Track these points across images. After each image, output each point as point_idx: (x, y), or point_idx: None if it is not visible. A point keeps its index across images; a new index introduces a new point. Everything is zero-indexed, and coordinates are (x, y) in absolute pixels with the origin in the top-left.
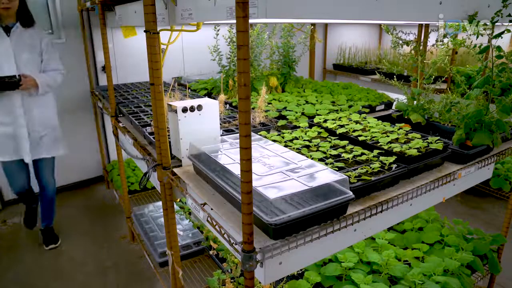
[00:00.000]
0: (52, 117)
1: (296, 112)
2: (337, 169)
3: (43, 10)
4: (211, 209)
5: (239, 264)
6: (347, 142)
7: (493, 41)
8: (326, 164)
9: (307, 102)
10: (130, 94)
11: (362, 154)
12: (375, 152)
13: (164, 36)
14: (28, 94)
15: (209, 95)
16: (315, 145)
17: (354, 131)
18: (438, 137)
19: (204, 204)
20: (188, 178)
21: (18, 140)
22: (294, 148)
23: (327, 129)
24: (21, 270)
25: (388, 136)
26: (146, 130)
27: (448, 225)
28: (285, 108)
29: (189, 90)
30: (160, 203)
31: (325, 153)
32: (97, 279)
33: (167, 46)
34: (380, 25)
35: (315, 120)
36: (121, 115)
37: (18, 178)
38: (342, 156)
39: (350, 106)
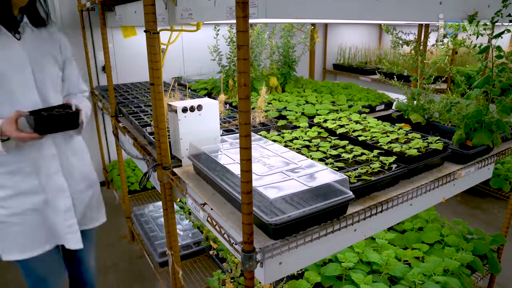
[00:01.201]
0: (90, 164)
1: (296, 112)
2: (337, 169)
3: None
4: (211, 209)
5: (239, 264)
6: (347, 142)
7: (493, 41)
8: (326, 164)
9: (307, 102)
10: (130, 94)
11: (362, 154)
12: (375, 152)
13: (164, 36)
14: (65, 137)
15: (209, 95)
16: (315, 145)
17: (354, 131)
18: (438, 137)
19: (204, 204)
20: (188, 178)
21: (56, 217)
22: (294, 148)
23: (327, 129)
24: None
25: (388, 136)
26: (146, 130)
27: (448, 225)
28: (285, 108)
29: (189, 90)
30: (160, 203)
31: (325, 153)
32: (97, 279)
33: (167, 46)
34: (380, 25)
35: (315, 120)
36: (121, 115)
37: (56, 276)
38: (342, 156)
39: (350, 106)
